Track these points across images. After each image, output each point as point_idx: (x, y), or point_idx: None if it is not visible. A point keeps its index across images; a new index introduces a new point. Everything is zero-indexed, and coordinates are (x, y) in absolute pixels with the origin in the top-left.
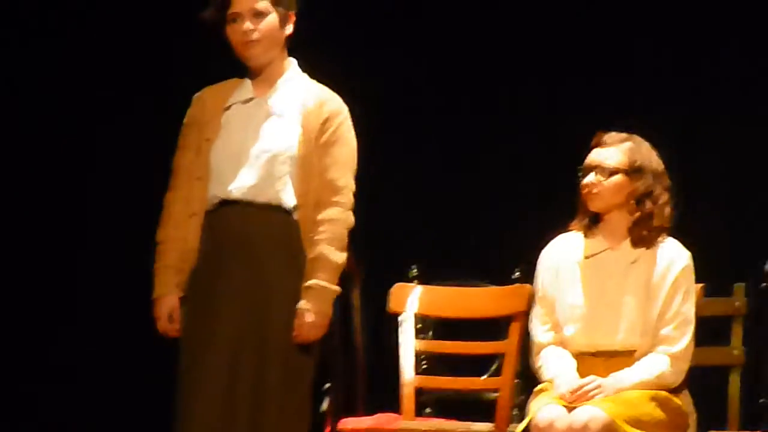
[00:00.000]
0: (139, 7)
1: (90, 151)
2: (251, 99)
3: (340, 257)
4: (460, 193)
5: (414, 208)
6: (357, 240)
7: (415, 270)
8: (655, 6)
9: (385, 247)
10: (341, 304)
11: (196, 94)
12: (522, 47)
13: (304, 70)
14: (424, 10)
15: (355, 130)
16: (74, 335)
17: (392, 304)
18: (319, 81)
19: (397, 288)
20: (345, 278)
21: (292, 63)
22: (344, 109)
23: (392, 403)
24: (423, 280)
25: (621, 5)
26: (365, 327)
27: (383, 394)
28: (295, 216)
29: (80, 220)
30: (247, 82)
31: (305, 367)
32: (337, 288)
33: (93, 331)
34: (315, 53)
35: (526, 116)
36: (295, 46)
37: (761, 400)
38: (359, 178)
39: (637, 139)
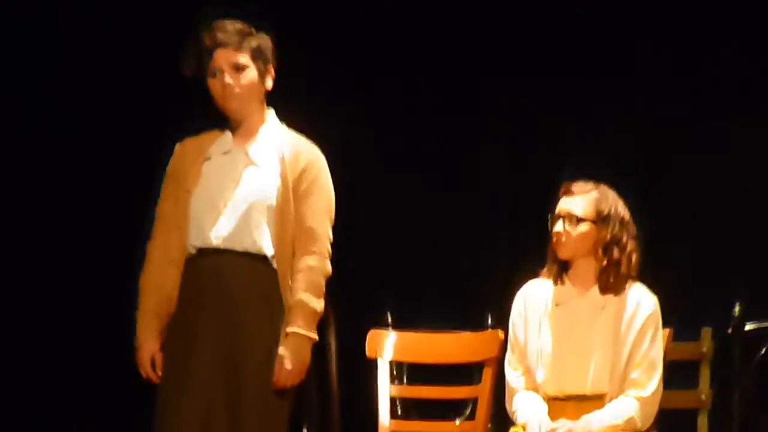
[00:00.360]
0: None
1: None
2: (230, 151)
3: (318, 305)
4: (436, 239)
5: (389, 254)
6: (332, 284)
7: (389, 317)
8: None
9: (359, 292)
10: (317, 347)
11: (178, 145)
12: (483, 121)
13: (281, 117)
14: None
15: (333, 180)
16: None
17: (368, 351)
18: (297, 128)
19: (372, 334)
20: (321, 323)
21: (270, 113)
22: (321, 159)
23: None
24: (397, 325)
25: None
26: (340, 371)
27: None
28: (273, 264)
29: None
30: (227, 133)
31: (282, 412)
32: (315, 336)
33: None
34: (295, 99)
35: (494, 169)
36: (273, 93)
37: None
38: (344, 222)
39: (604, 188)
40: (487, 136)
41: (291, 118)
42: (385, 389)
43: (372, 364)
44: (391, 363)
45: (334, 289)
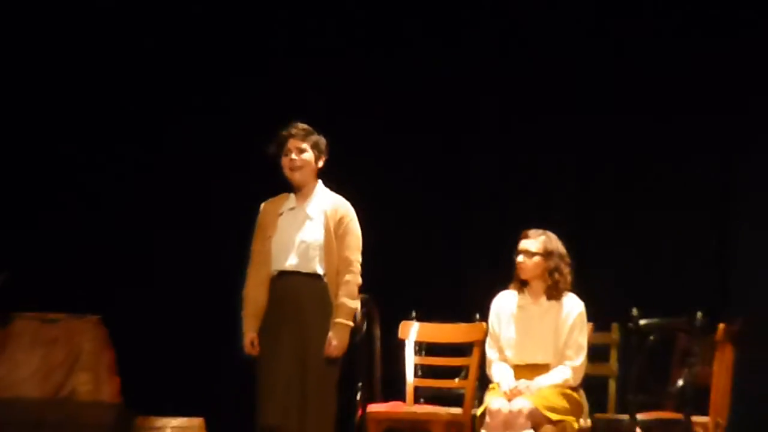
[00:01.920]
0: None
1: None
2: (294, 208)
3: (354, 304)
4: (443, 265)
5: (414, 274)
6: (379, 294)
7: (414, 313)
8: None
9: (394, 299)
10: (367, 333)
11: (262, 204)
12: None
13: (331, 177)
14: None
15: (362, 222)
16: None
17: (400, 334)
18: (336, 189)
19: (403, 324)
20: (370, 317)
21: (319, 183)
22: (351, 211)
23: (400, 396)
24: (419, 318)
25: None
26: (382, 348)
27: (394, 391)
28: (324, 280)
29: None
30: (292, 196)
31: (334, 374)
32: (352, 324)
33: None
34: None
35: (483, 222)
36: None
37: (627, 396)
38: (376, 254)
39: (549, 233)
40: (478, 197)
41: (333, 183)
42: (411, 359)
43: (402, 343)
44: (415, 342)
45: (380, 297)
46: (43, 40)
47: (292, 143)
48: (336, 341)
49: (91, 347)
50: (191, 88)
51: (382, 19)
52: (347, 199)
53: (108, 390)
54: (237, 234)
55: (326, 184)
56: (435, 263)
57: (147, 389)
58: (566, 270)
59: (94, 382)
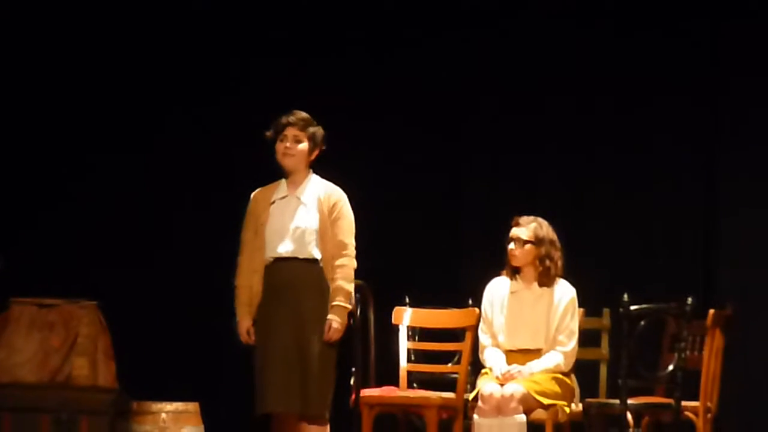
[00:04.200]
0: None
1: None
2: (286, 196)
3: (350, 287)
4: (439, 253)
5: (409, 262)
6: (372, 280)
7: (407, 298)
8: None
9: (388, 285)
10: (361, 318)
11: (253, 193)
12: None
13: (324, 166)
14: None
15: (356, 209)
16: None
17: (394, 320)
18: (332, 173)
19: (396, 310)
20: (364, 302)
21: (311, 172)
22: (344, 196)
23: (393, 381)
24: (413, 304)
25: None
26: (376, 332)
27: (387, 376)
28: (320, 264)
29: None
30: (283, 183)
31: (332, 356)
32: (350, 306)
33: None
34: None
35: (475, 210)
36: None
37: (618, 381)
38: (370, 240)
39: (540, 220)
40: (470, 183)
41: (324, 172)
42: (404, 344)
43: (395, 329)
44: (408, 327)
45: (374, 283)
46: (35, 21)
47: (289, 131)
48: (336, 324)
49: (87, 332)
50: (193, 71)
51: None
52: (341, 185)
53: (104, 375)
54: (236, 217)
55: (321, 169)
56: (428, 250)
57: (143, 374)
58: (557, 256)
59: (90, 366)
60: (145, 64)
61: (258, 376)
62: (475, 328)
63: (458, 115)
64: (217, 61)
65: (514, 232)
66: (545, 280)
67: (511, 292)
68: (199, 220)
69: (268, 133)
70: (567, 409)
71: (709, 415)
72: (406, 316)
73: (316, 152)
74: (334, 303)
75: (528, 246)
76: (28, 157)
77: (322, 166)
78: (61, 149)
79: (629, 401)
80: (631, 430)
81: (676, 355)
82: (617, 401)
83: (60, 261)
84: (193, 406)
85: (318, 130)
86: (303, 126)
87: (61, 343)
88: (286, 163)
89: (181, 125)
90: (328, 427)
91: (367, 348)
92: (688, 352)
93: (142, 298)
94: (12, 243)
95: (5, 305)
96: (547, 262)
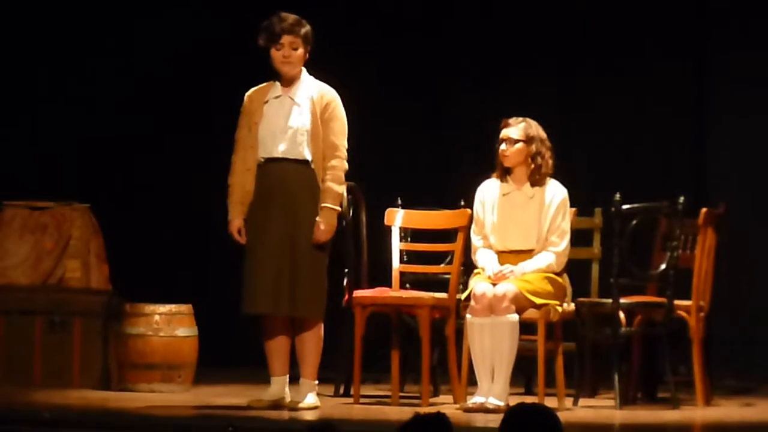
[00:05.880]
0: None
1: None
2: (280, 96)
3: (340, 188)
4: (431, 154)
5: (402, 164)
6: (365, 182)
7: (399, 200)
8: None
9: (380, 186)
10: (354, 220)
11: (247, 93)
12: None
13: (311, 70)
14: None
15: (348, 111)
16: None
17: (386, 221)
18: (321, 77)
19: (389, 211)
20: (356, 204)
21: (304, 71)
22: (337, 97)
23: (386, 282)
24: (405, 205)
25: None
26: (368, 234)
27: (380, 276)
28: (312, 165)
29: None
30: (277, 84)
31: (323, 258)
32: (339, 209)
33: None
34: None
35: (467, 113)
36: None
37: (610, 280)
38: (368, 141)
39: (529, 120)
40: (459, 86)
41: (318, 71)
42: (397, 245)
43: (388, 230)
44: (400, 229)
45: (367, 185)
46: None
47: (286, 39)
48: (324, 225)
49: (80, 234)
50: None
51: None
52: (334, 86)
53: (97, 277)
54: (228, 119)
55: (311, 73)
56: (419, 153)
57: (136, 276)
58: (548, 154)
59: (83, 269)
60: None
61: (247, 276)
62: (467, 228)
63: (444, 14)
64: None
65: (505, 132)
66: (537, 178)
67: (503, 194)
68: (193, 120)
69: (262, 41)
70: (559, 309)
71: (701, 314)
72: (398, 218)
73: (308, 52)
74: (323, 205)
75: (519, 145)
76: (22, 55)
77: (316, 68)
78: (57, 52)
79: (621, 300)
80: (623, 328)
81: (668, 253)
82: (609, 300)
83: (52, 164)
84: (186, 308)
85: (308, 30)
86: (297, 31)
87: (54, 246)
88: (285, 69)
89: (172, 32)
90: (321, 326)
91: (360, 249)
92: (680, 251)
93: (134, 200)
94: (4, 146)
95: None
96: (539, 160)
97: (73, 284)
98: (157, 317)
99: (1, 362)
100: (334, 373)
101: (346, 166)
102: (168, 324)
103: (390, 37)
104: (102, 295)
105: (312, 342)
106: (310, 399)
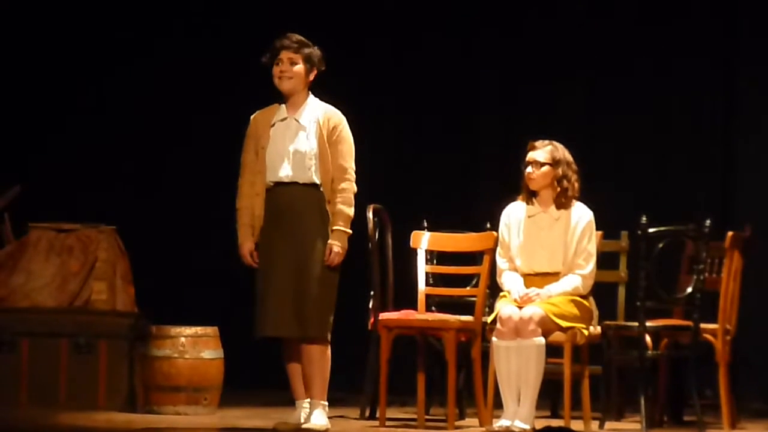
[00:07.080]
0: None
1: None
2: (286, 118)
3: (350, 211)
4: (456, 175)
5: (428, 188)
6: (391, 204)
7: (425, 222)
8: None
9: (407, 209)
10: (379, 242)
11: (252, 116)
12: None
13: (329, 94)
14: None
15: (375, 134)
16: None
17: (412, 243)
18: (347, 100)
19: (414, 234)
20: (382, 226)
21: (310, 94)
22: (343, 119)
23: (412, 304)
24: (431, 228)
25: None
26: (394, 256)
27: (406, 299)
28: (321, 189)
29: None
30: (283, 106)
31: (333, 280)
32: (350, 231)
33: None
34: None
35: (492, 135)
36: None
37: (636, 303)
38: (394, 164)
39: (555, 143)
40: (485, 108)
41: (325, 94)
42: (422, 268)
43: (414, 252)
44: (426, 251)
45: (393, 207)
46: None
47: (284, 54)
48: (336, 248)
49: (106, 257)
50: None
51: None
52: (356, 110)
53: (123, 299)
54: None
55: (328, 95)
56: (445, 175)
57: (162, 299)
58: (574, 177)
59: (109, 291)
60: None
61: (258, 300)
62: (493, 251)
63: (471, 34)
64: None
65: (531, 155)
66: (563, 201)
67: (528, 216)
68: (214, 145)
69: (264, 59)
70: (585, 332)
71: (727, 337)
72: (424, 240)
73: (313, 73)
74: (335, 228)
75: (545, 168)
76: (41, 80)
77: (335, 91)
78: (76, 76)
79: (648, 323)
80: (649, 352)
81: (694, 277)
82: (636, 323)
83: (78, 187)
84: (212, 330)
85: (313, 51)
86: (297, 48)
87: (80, 268)
88: (283, 86)
89: (190, 49)
90: (328, 348)
91: (386, 271)
92: (706, 274)
93: (161, 222)
94: (30, 169)
95: (24, 230)
96: (565, 183)
97: (98, 306)
98: (182, 339)
99: (27, 384)
100: (360, 395)
101: (355, 188)
102: (194, 346)
103: (416, 60)
104: (128, 317)
105: (319, 362)
106: (318, 418)
